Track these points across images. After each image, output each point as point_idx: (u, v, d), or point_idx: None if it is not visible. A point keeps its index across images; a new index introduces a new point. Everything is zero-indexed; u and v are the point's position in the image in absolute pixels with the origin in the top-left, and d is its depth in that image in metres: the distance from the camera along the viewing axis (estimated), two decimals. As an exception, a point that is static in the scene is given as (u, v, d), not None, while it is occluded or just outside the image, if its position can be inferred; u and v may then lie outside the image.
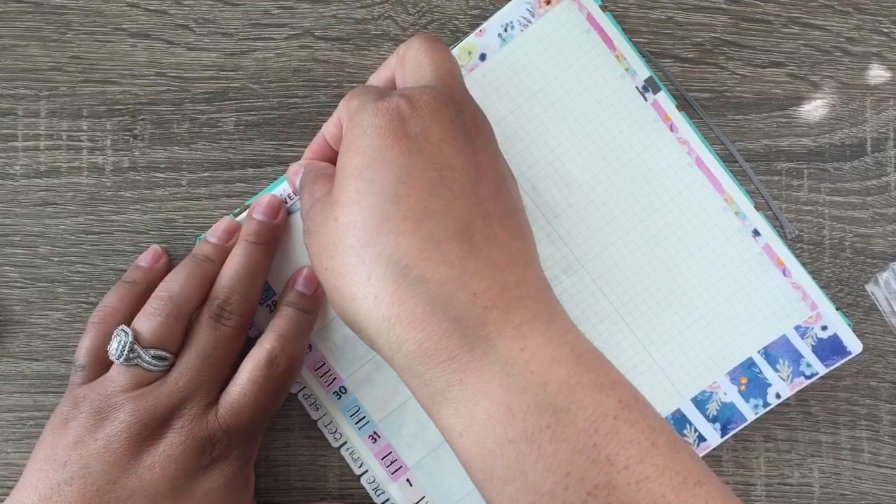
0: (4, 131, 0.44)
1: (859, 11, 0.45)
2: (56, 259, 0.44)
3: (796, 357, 0.42)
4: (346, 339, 0.42)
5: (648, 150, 0.43)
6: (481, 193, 0.33)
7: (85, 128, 0.44)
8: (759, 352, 0.42)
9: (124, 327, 0.38)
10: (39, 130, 0.44)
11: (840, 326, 0.42)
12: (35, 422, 0.43)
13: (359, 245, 0.32)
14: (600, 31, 0.43)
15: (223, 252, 0.41)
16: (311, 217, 0.35)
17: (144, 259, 0.42)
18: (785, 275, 0.43)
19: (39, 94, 0.44)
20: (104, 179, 0.44)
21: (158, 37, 0.44)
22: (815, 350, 0.42)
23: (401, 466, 0.42)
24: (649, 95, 0.43)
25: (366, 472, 0.42)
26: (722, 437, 0.42)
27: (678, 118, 0.43)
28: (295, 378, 0.41)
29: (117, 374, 0.38)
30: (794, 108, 0.44)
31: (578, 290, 0.43)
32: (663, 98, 0.43)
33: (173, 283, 0.40)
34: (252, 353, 0.39)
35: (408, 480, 0.42)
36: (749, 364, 0.42)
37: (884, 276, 0.44)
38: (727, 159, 0.44)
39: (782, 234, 0.44)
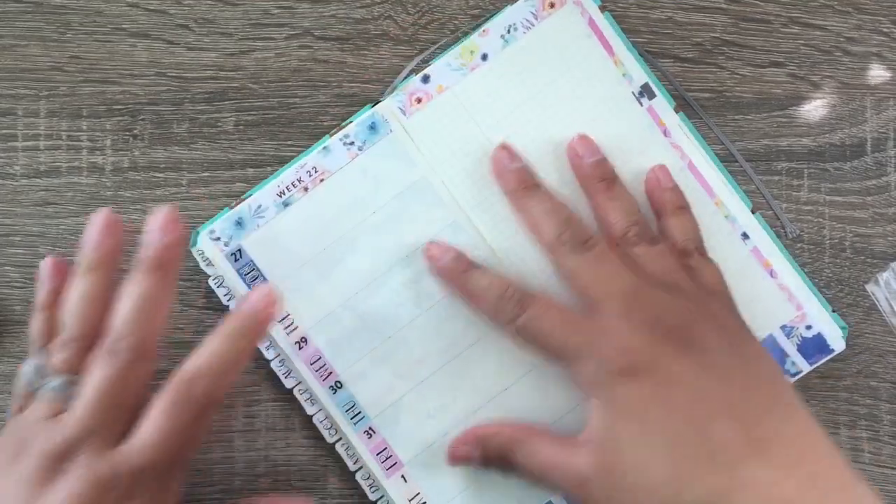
0: (4, 131, 0.44)
1: (859, 11, 0.45)
2: (56, 259, 0.44)
3: (782, 356, 0.43)
4: (342, 332, 0.42)
5: (643, 154, 0.43)
6: (757, 400, 0.37)
7: (85, 128, 0.44)
8: None
9: (28, 361, 0.37)
10: (39, 130, 0.44)
11: (823, 324, 0.43)
12: (35, 422, 0.43)
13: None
14: (600, 36, 0.43)
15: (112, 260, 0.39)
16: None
17: (45, 277, 0.40)
18: (772, 276, 0.43)
19: (39, 94, 0.44)
20: (104, 179, 0.44)
21: (158, 37, 0.44)
22: (800, 349, 0.43)
23: (396, 462, 0.42)
24: (644, 101, 0.43)
25: (361, 468, 0.42)
26: None
27: (673, 122, 0.43)
28: (216, 409, 0.38)
29: (33, 407, 0.37)
30: (794, 108, 0.44)
31: None
32: (658, 103, 0.43)
33: (69, 310, 0.38)
34: (166, 384, 0.37)
35: (403, 477, 0.42)
36: None
37: (884, 276, 0.44)
38: (727, 159, 0.44)
39: (782, 234, 0.44)
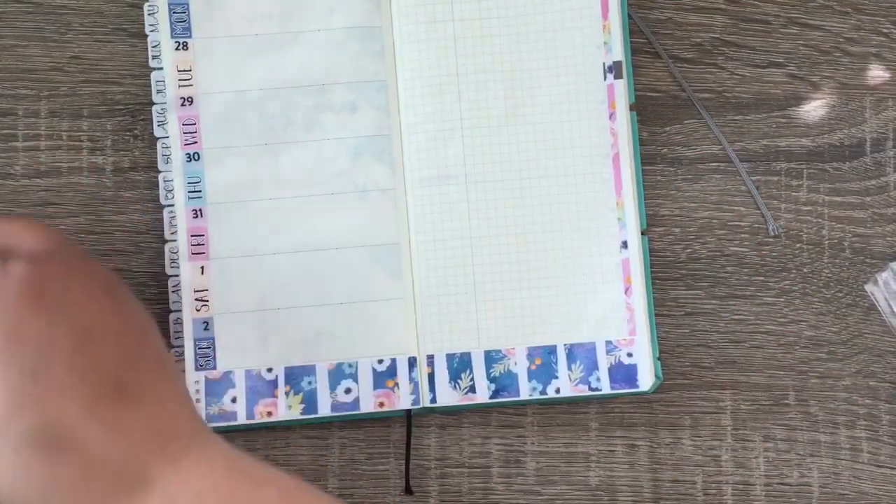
0: (5, 131, 0.44)
1: (858, 12, 0.45)
2: (56, 259, 0.44)
3: (592, 367, 0.42)
4: (229, 115, 0.43)
5: (579, 123, 0.43)
6: (128, 346, 0.33)
7: (85, 128, 0.44)
8: (565, 345, 0.43)
9: None
10: (40, 130, 0.44)
11: (643, 360, 0.42)
12: (35, 421, 0.43)
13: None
14: None
15: None
16: None
17: None
18: (626, 293, 0.43)
19: (40, 95, 0.44)
20: (104, 179, 0.44)
21: (159, 37, 0.44)
22: (611, 370, 0.42)
23: (204, 252, 0.42)
24: (609, 77, 0.43)
25: (175, 241, 0.43)
26: (490, 398, 0.42)
27: (623, 110, 0.43)
28: None
29: None
30: (793, 108, 0.45)
31: (447, 201, 0.43)
32: (620, 86, 0.43)
33: None
34: None
35: (202, 268, 0.42)
36: (550, 351, 0.43)
37: (883, 276, 0.44)
38: (723, 159, 0.44)
39: (774, 230, 0.44)
